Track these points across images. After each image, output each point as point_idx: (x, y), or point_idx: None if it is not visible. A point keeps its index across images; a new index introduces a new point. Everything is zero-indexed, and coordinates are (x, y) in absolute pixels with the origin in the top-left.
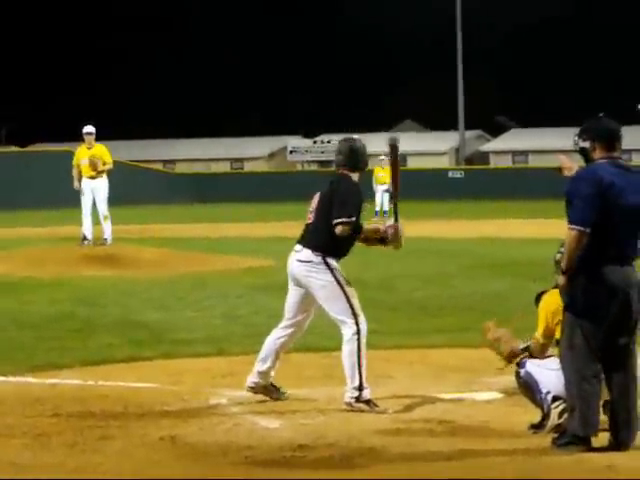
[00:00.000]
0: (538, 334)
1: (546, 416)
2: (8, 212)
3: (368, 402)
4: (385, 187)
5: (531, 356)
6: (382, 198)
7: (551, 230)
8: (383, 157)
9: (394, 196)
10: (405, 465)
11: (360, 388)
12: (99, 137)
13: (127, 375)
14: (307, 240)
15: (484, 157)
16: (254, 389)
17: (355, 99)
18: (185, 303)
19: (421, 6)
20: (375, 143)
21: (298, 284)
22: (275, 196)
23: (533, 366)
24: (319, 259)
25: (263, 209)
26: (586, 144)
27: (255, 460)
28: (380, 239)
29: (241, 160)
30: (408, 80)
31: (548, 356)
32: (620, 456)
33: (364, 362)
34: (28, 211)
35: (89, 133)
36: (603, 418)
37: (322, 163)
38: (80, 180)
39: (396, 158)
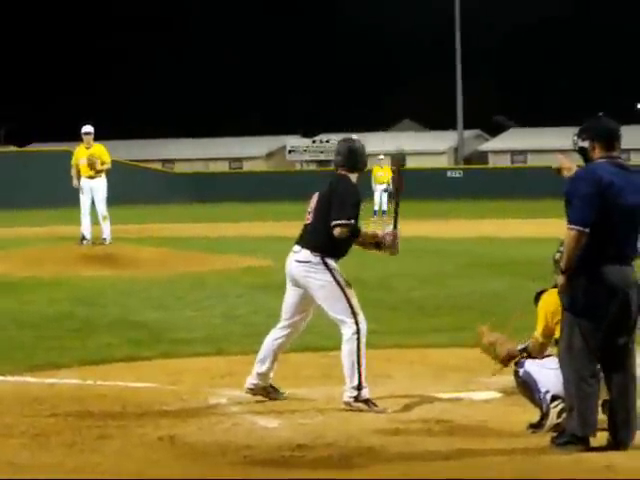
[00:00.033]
0: (537, 333)
1: (545, 415)
2: (7, 212)
3: (367, 401)
4: (384, 187)
5: (530, 356)
6: (381, 197)
7: (550, 229)
8: (382, 157)
9: (396, 204)
10: (404, 465)
11: (359, 387)
12: (98, 137)
13: (126, 375)
14: (306, 241)
15: (483, 157)
16: (253, 390)
17: (354, 99)
18: (184, 303)
19: (420, 6)
20: (374, 143)
21: (296, 284)
22: (274, 196)
23: (532, 365)
24: (318, 259)
25: (262, 209)
26: (585, 144)
27: (254, 460)
28: (376, 244)
29: (240, 160)
30: (407, 80)
31: (547, 355)
32: (619, 456)
33: (364, 362)
34: (27, 211)
35: (88, 133)
36: (602, 417)
37: (321, 163)
38: (79, 179)
39: (399, 172)
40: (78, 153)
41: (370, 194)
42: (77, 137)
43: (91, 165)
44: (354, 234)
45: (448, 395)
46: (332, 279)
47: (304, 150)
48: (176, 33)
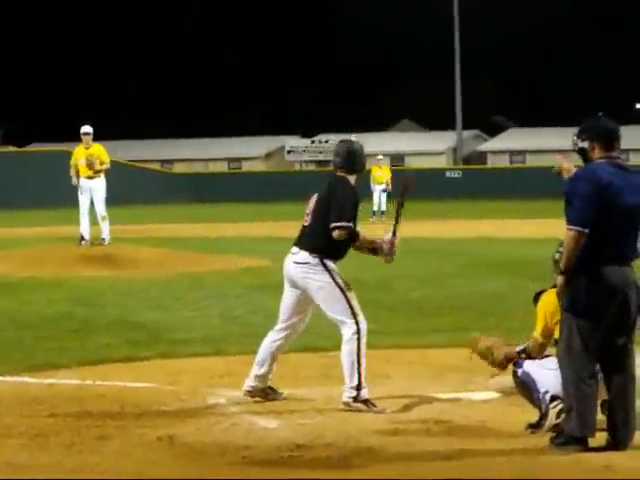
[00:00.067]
0: (537, 333)
1: (544, 416)
2: (6, 212)
3: (366, 402)
4: (383, 187)
5: (529, 357)
6: (380, 198)
7: (549, 230)
8: (381, 157)
9: (397, 214)
10: (403, 465)
11: (358, 388)
12: (97, 137)
13: (125, 375)
14: (304, 242)
15: (482, 157)
16: (251, 393)
17: (353, 99)
18: (183, 303)
19: (420, 6)
20: (373, 143)
21: (294, 286)
22: (273, 196)
23: (531, 366)
24: (316, 261)
25: (261, 209)
26: (585, 144)
27: (253, 460)
28: (373, 249)
29: (239, 160)
30: (406, 80)
31: (546, 356)
32: (618, 456)
33: (363, 362)
34: (26, 211)
35: (86, 133)
36: (601, 418)
37: (320, 163)
38: (78, 179)
39: (405, 193)
40: (77, 153)
41: (369, 194)
42: (76, 137)
43: (90, 165)
44: (352, 238)
45: (447, 395)
46: (331, 280)
47: (303, 150)
48: (176, 33)
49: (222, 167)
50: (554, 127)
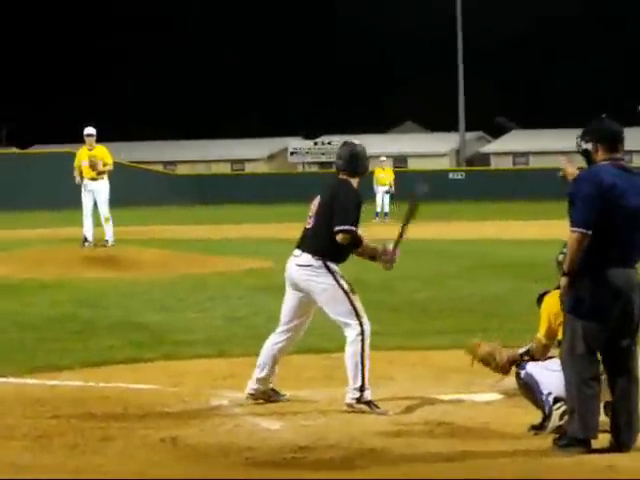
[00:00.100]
0: (540, 335)
1: (547, 417)
2: (9, 213)
3: (369, 403)
4: (386, 188)
5: (532, 358)
6: (383, 199)
7: (552, 231)
8: (384, 158)
9: (402, 228)
10: (406, 466)
11: (362, 389)
12: (100, 138)
13: (128, 376)
14: (307, 245)
15: (485, 158)
16: (254, 395)
17: (356, 100)
18: (186, 304)
19: (421, 7)
20: (376, 145)
21: (296, 288)
22: (276, 197)
23: (534, 367)
24: (319, 263)
25: (264, 210)
26: (589, 146)
27: (256, 461)
28: (372, 256)
29: (241, 161)
30: (409, 81)
31: (549, 357)
32: (621, 457)
33: (367, 363)
34: (29, 212)
35: (90, 135)
36: (604, 419)
37: (323, 164)
38: (82, 180)
39: (415, 206)
40: (80, 155)
41: (372, 196)
42: (79, 139)
43: (93, 166)
44: (356, 244)
45: (450, 397)
46: (334, 282)
47: (306, 152)
48: (176, 34)
49: (225, 168)
50: (557, 129)
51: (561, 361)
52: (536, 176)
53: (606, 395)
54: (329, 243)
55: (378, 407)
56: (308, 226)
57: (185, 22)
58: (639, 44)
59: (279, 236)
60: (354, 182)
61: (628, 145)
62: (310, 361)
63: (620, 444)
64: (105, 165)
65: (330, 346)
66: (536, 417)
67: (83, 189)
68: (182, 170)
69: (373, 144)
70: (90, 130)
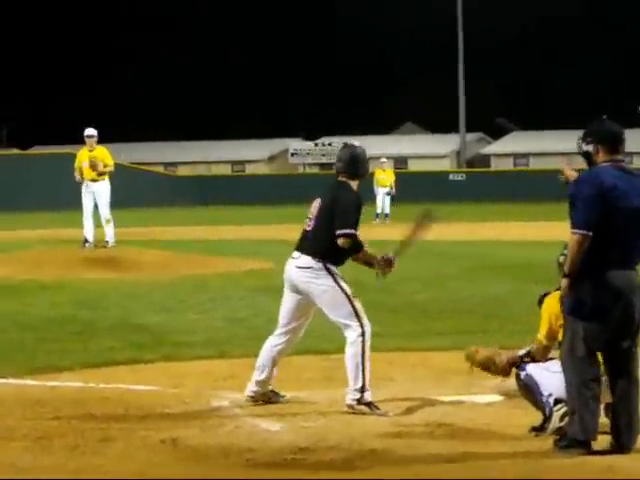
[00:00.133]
0: (541, 336)
1: (547, 419)
2: (9, 214)
3: (369, 404)
4: (386, 190)
5: (533, 360)
6: (383, 201)
7: (552, 232)
8: (384, 160)
9: (406, 242)
10: (406, 468)
11: (362, 390)
12: (100, 139)
13: (128, 378)
14: (306, 247)
15: (485, 160)
16: (254, 398)
17: (356, 101)
18: (186, 306)
19: (421, 7)
20: (376, 146)
21: (295, 290)
22: (276, 199)
23: (534, 368)
24: (319, 265)
25: (264, 211)
26: (589, 147)
27: (256, 462)
28: (369, 263)
29: (242, 163)
30: (410, 83)
31: (550, 358)
32: (622, 459)
33: (368, 364)
34: (29, 213)
35: (90, 136)
36: (605, 421)
37: (323, 166)
38: (82, 180)
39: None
40: (81, 156)
41: (372, 197)
42: (79, 140)
43: (93, 167)
44: (356, 248)
45: (450, 398)
46: (334, 284)
47: (306, 153)
48: (177, 35)
49: (225, 170)
50: (558, 130)
51: (561, 362)
52: (536, 177)
53: (606, 396)
54: (329, 245)
55: (378, 408)
56: (308, 228)
57: (186, 23)
58: (638, 45)
59: (279, 237)
60: (354, 184)
61: (628, 146)
62: (310, 362)
63: (620, 445)
64: (105, 166)
65: (329, 347)
66: (536, 418)
67: (83, 190)
68: (183, 171)
69: (373, 145)
70: (91, 131)
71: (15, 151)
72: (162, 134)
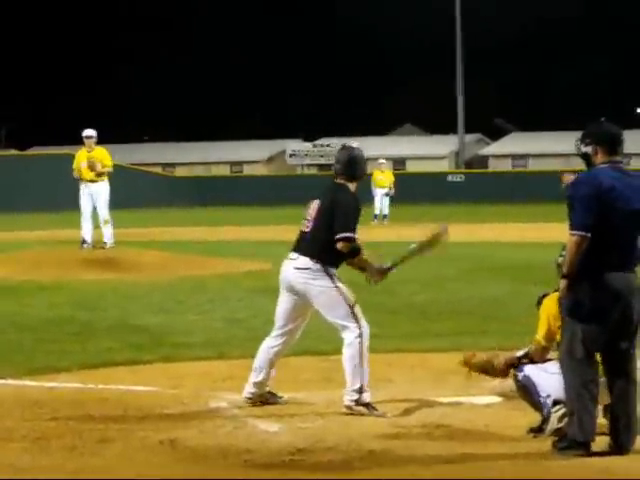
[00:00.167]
0: (539, 337)
1: (546, 420)
2: (7, 215)
3: (367, 405)
4: (384, 191)
5: (531, 361)
6: (381, 202)
7: (551, 234)
8: (383, 161)
9: (408, 256)
10: (404, 469)
11: (360, 391)
12: (99, 140)
13: (127, 378)
14: (304, 248)
15: (484, 161)
16: (251, 399)
17: (355, 102)
18: (185, 306)
19: (421, 7)
20: (375, 147)
21: (292, 291)
22: (275, 199)
23: (532, 369)
24: (318, 266)
25: (263, 212)
26: (588, 149)
27: (254, 463)
28: (363, 268)
29: (240, 163)
30: (408, 81)
31: (548, 360)
32: (620, 460)
33: (366, 365)
34: (27, 214)
35: (89, 136)
36: (603, 422)
37: (321, 166)
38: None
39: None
40: (79, 157)
41: (370, 199)
42: (78, 141)
43: (91, 167)
44: (354, 253)
45: (448, 399)
46: (332, 285)
47: (305, 154)
48: (176, 36)
49: (224, 170)
50: (556, 131)
51: (560, 364)
52: (535, 178)
53: (605, 398)
54: (327, 247)
55: (376, 409)
56: (306, 229)
57: (185, 23)
58: (638, 47)
59: (278, 238)
60: (352, 186)
61: (627, 148)
62: (307, 363)
63: (619, 447)
64: (104, 167)
65: (327, 348)
66: (535, 419)
67: (81, 191)
68: (181, 172)
69: (372, 146)
70: (89, 132)
71: (13, 152)
72: (161, 135)
